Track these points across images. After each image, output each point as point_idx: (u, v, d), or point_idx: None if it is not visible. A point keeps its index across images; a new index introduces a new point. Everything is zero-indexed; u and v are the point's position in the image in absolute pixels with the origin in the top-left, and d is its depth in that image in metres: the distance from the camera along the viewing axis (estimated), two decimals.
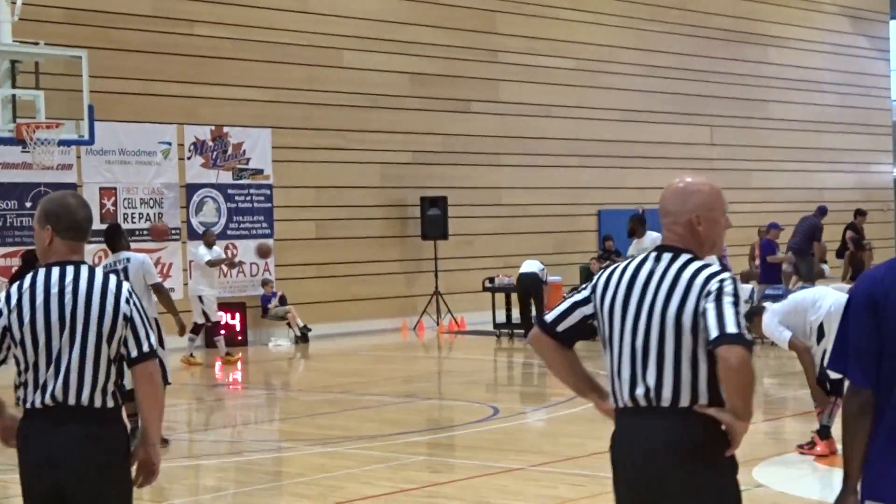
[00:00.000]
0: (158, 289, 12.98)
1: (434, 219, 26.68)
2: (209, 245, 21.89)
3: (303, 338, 24.33)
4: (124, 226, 22.68)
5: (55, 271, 5.45)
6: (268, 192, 25.22)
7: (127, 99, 22.85)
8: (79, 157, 22.52)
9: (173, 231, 23.75)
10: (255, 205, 25.06)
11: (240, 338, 24.04)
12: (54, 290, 5.40)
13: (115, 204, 23.11)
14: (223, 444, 13.67)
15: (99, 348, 5.36)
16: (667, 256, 4.86)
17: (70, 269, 5.47)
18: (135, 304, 5.47)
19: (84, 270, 5.48)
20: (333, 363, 21.66)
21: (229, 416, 16.24)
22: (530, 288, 23.50)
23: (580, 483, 10.64)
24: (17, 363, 5.43)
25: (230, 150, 24.67)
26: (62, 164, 22.02)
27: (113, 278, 5.55)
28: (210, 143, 24.40)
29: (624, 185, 31.05)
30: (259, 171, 25.09)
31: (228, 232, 24.61)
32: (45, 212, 5.51)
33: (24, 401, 5.39)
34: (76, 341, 5.35)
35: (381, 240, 26.86)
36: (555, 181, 29.63)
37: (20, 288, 5.43)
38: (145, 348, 5.42)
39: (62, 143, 18.06)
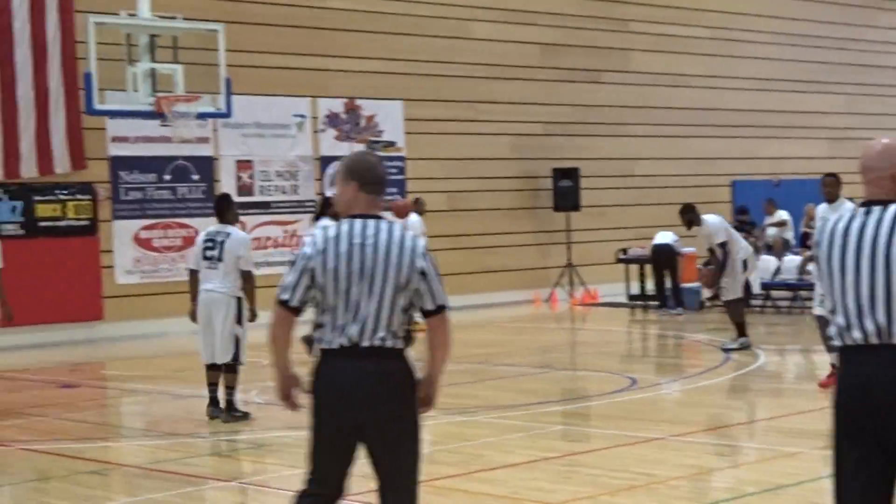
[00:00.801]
0: (247, 276, 12.68)
1: (566, 190, 26.59)
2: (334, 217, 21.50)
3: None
4: (260, 198, 23.17)
5: (357, 224, 5.84)
6: (400, 164, 25.34)
7: (262, 72, 23.10)
8: (215, 130, 22.84)
9: (308, 203, 23.98)
10: (388, 177, 25.15)
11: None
12: (356, 241, 5.79)
13: (251, 177, 23.40)
14: None
15: (395, 299, 5.76)
16: (877, 208, 5.17)
17: (371, 223, 5.85)
18: (430, 259, 5.87)
19: (384, 225, 5.86)
20: (466, 334, 21.65)
21: None
22: (665, 259, 23.33)
23: (723, 453, 10.56)
24: (317, 304, 5.84)
25: (363, 123, 24.83)
26: (200, 138, 22.38)
27: (410, 234, 5.91)
28: (343, 116, 24.58)
29: (758, 156, 30.63)
30: (392, 143, 25.22)
31: None
32: (350, 169, 5.97)
33: (321, 340, 5.83)
34: (374, 291, 5.76)
35: (512, 211, 26.85)
36: (687, 151, 29.34)
37: (325, 237, 5.84)
38: (439, 302, 5.85)
39: (200, 116, 18.30)
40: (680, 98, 29.37)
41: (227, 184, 23.05)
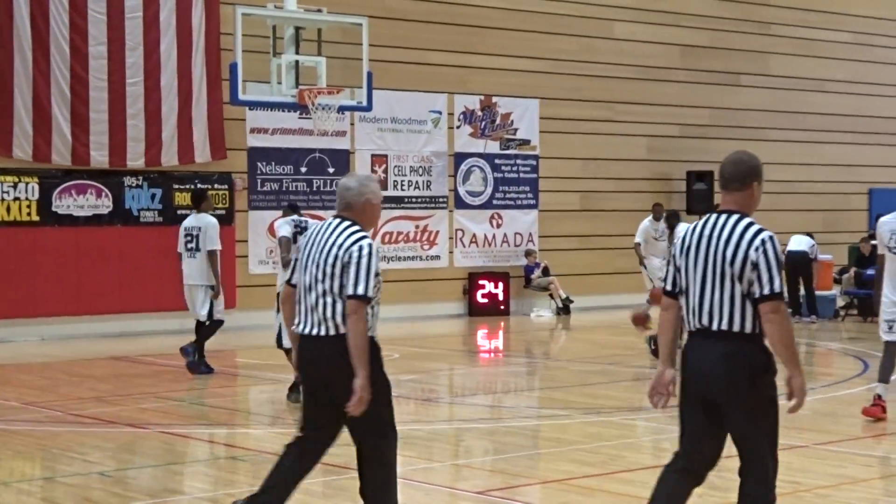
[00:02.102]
0: (211, 255, 14.77)
1: (700, 193, 26.29)
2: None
3: (564, 309, 24.34)
4: (393, 192, 23.27)
5: (721, 219, 6.37)
6: (534, 162, 25.27)
7: (400, 68, 23.19)
8: (352, 124, 22.97)
9: (440, 199, 24.05)
10: (522, 175, 25.14)
11: (502, 307, 24.19)
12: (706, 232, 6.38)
13: (385, 171, 23.50)
14: (500, 409, 13.74)
15: (733, 286, 6.23)
16: None
17: (723, 218, 6.38)
18: (763, 250, 6.18)
19: (732, 218, 6.34)
20: (598, 335, 21.57)
21: (505, 383, 16.33)
22: (800, 266, 22.94)
23: (870, 464, 10.33)
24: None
25: (498, 120, 24.80)
26: (337, 131, 22.52)
27: (752, 229, 6.29)
28: (479, 113, 24.58)
29: None
30: (526, 142, 25.17)
31: (494, 202, 24.77)
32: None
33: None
34: (715, 279, 6.28)
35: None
36: (825, 157, 28.86)
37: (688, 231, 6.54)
38: (772, 289, 6.16)
39: (341, 108, 18.38)
40: (819, 103, 28.89)
41: None
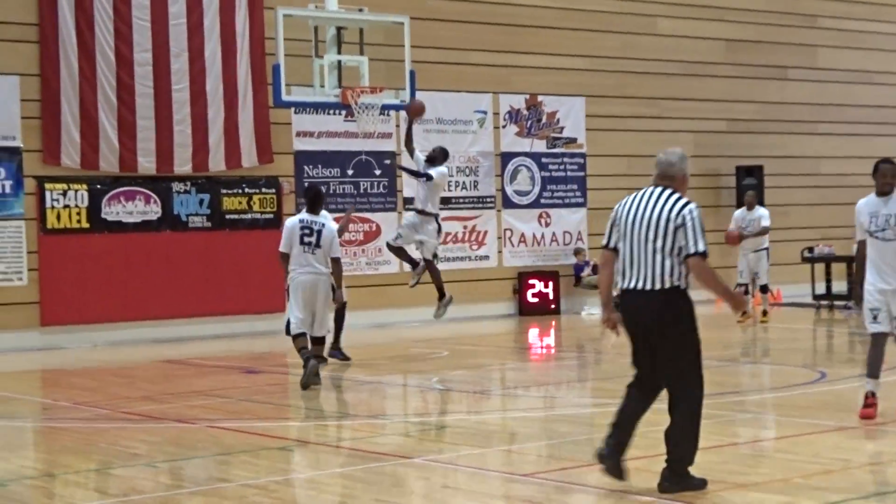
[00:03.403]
0: (336, 262, 14.55)
1: (750, 188, 26.05)
2: None
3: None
4: (443, 193, 23.20)
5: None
6: (581, 160, 25.19)
7: (443, 68, 23.19)
8: (397, 125, 22.97)
9: (488, 199, 24.02)
10: (569, 173, 25.07)
11: (552, 306, 24.12)
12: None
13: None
14: (550, 398, 13.68)
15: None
16: None
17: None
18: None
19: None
20: None
21: (556, 375, 16.27)
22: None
23: None
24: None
25: (544, 119, 24.75)
26: (381, 133, 22.56)
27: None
28: (524, 112, 24.54)
29: None
30: (572, 140, 25.10)
31: (542, 200, 24.71)
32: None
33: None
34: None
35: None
36: (875, 150, 28.40)
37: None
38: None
39: (384, 107, 18.36)
40: (868, 95, 28.65)
41: (408, 179, 23.10)
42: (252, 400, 13.70)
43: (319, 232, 14.38)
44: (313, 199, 14.72)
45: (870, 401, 10.83)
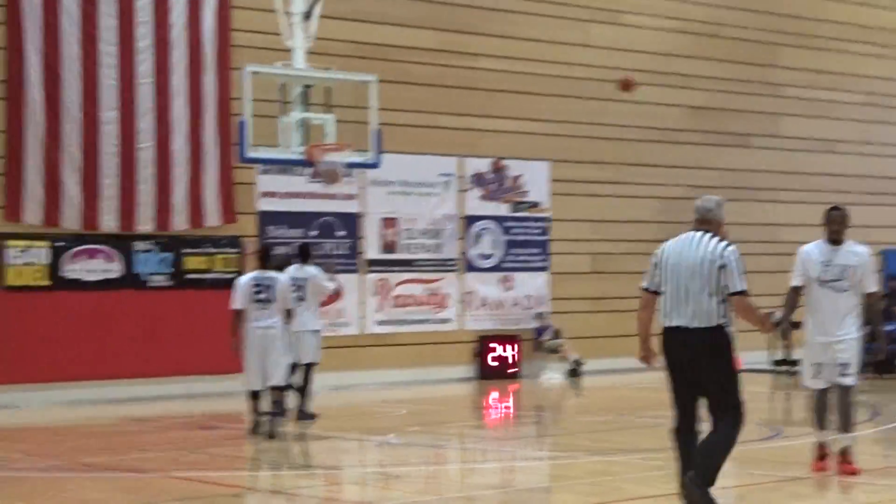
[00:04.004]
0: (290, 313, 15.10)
1: None
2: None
3: (575, 372, 24.22)
4: (404, 255, 23.37)
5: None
6: (544, 224, 25.28)
7: (410, 131, 23.28)
8: (362, 187, 23.04)
9: (451, 262, 24.07)
10: (532, 237, 25.14)
11: (512, 370, 24.10)
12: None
13: (395, 234, 23.52)
14: (507, 451, 13.66)
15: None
16: None
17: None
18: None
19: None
20: (608, 392, 21.45)
21: (515, 431, 16.24)
22: None
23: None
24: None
25: (509, 183, 24.86)
26: (347, 195, 22.63)
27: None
28: (490, 176, 24.64)
29: None
30: (536, 204, 25.19)
31: (505, 264, 24.76)
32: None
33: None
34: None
35: None
36: None
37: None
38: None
39: (349, 165, 18.41)
40: (830, 164, 28.92)
41: (371, 240, 23.22)
42: (207, 452, 13.62)
43: (271, 287, 14.84)
44: (264, 256, 15.45)
45: (821, 452, 10.80)
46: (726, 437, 8.56)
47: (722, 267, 8.45)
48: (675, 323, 8.56)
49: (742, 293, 8.42)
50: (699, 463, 8.49)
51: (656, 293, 8.74)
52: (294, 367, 15.90)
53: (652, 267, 8.84)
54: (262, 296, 14.80)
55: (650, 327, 8.77)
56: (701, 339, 8.44)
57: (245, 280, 15.14)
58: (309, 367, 16.36)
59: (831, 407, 10.71)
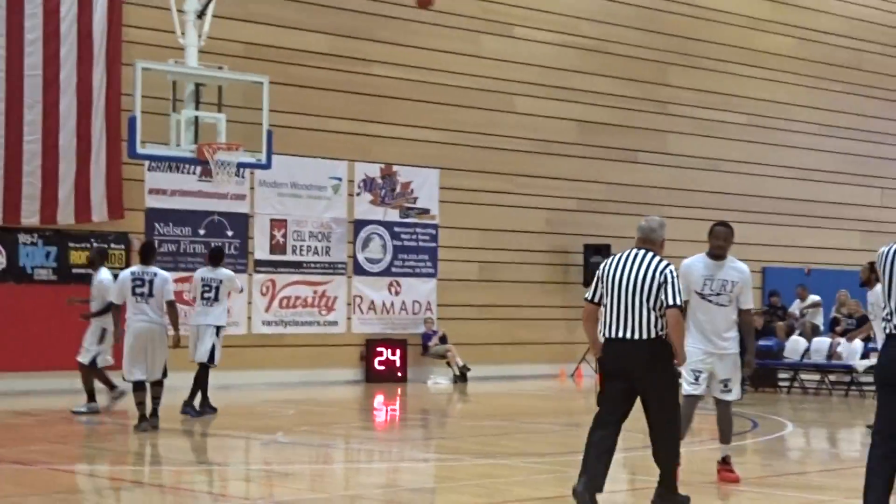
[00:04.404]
0: (171, 305, 15.19)
1: (596, 266, 26.45)
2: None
3: (462, 377, 24.38)
4: (293, 257, 23.34)
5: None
6: (433, 231, 25.41)
7: (301, 133, 23.29)
8: (252, 188, 23.00)
9: (339, 265, 24.09)
10: (421, 244, 25.26)
11: (399, 374, 24.17)
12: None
13: (284, 235, 23.49)
14: (393, 452, 13.72)
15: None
16: None
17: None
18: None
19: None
20: (493, 399, 21.62)
21: (401, 433, 16.30)
22: None
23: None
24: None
25: (398, 189, 24.95)
26: (235, 195, 22.59)
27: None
28: (379, 181, 24.71)
29: (790, 244, 30.61)
30: (426, 211, 25.32)
31: (393, 269, 24.85)
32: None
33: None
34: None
35: (543, 285, 26.86)
36: None
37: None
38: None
39: (240, 165, 18.34)
40: (714, 182, 29.46)
41: (260, 241, 23.16)
42: (93, 447, 13.50)
43: (151, 282, 15.03)
44: (145, 252, 15.60)
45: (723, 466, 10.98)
46: (674, 447, 9.27)
47: (662, 283, 8.91)
48: (616, 335, 9.00)
49: (678, 307, 8.92)
50: (663, 475, 9.22)
51: (599, 304, 9.17)
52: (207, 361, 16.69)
53: (596, 280, 9.26)
54: (140, 290, 14.96)
55: (597, 332, 9.24)
56: (641, 349, 8.92)
57: (124, 275, 15.33)
58: (205, 367, 16.76)
59: (692, 416, 10.86)
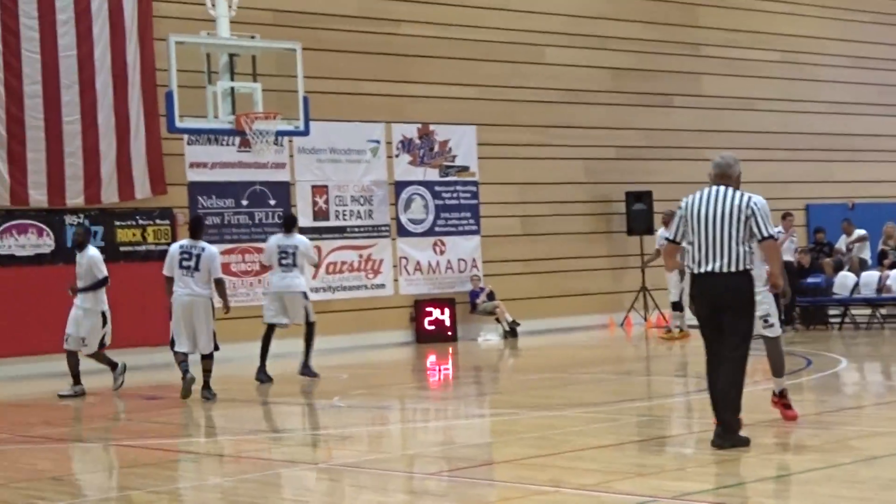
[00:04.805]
0: (220, 282, 15.53)
1: (639, 214, 26.58)
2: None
3: (511, 332, 24.45)
4: (336, 222, 23.44)
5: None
6: (473, 188, 25.46)
7: (335, 98, 23.33)
8: (291, 155, 23.10)
9: (383, 227, 24.17)
10: (462, 201, 25.30)
11: (449, 333, 24.27)
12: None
13: (326, 201, 23.59)
14: (450, 410, 13.82)
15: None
16: None
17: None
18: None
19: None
20: (543, 352, 21.70)
21: (457, 390, 16.42)
22: None
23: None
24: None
25: (437, 148, 24.99)
26: (276, 164, 22.71)
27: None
28: (417, 141, 24.75)
29: (832, 179, 30.48)
30: (465, 168, 25.35)
31: (436, 228, 24.91)
32: None
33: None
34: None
35: (586, 235, 26.88)
36: (761, 175, 29.05)
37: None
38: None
39: (279, 133, 18.44)
40: (752, 122, 29.33)
41: (302, 209, 23.26)
42: (153, 421, 13.67)
43: (199, 256, 15.30)
44: (194, 226, 15.90)
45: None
46: (740, 377, 9.44)
47: (750, 216, 9.28)
48: (706, 269, 9.39)
49: (770, 237, 9.36)
50: (724, 413, 9.37)
51: (678, 243, 9.68)
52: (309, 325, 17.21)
53: (677, 219, 9.57)
54: (187, 263, 15.23)
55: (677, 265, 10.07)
56: (732, 282, 9.32)
57: (173, 248, 15.63)
58: (310, 326, 17.28)
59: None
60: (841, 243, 25.63)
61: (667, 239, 9.81)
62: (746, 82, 29.44)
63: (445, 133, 25.09)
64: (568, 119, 26.63)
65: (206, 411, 14.21)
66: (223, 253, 22.31)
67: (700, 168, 28.32)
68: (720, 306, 9.36)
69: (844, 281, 22.91)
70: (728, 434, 9.32)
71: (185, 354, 15.26)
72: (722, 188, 9.45)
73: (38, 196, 20.85)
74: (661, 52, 28.14)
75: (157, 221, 21.89)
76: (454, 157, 25.23)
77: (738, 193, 9.39)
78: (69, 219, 21.14)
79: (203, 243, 15.52)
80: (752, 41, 29.63)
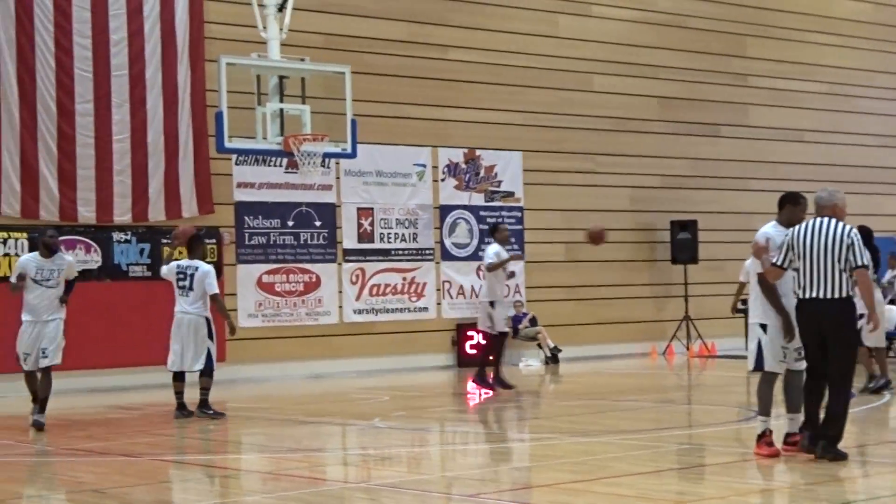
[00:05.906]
0: (214, 298, 15.66)
1: (684, 242, 26.56)
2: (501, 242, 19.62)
3: (553, 358, 24.47)
4: (381, 245, 23.56)
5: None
6: (518, 214, 25.52)
7: (383, 122, 23.48)
8: (338, 177, 23.24)
9: (427, 251, 24.28)
10: (507, 226, 25.30)
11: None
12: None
13: (371, 224, 23.71)
14: (489, 434, 13.87)
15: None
16: None
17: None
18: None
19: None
20: (584, 378, 21.71)
21: (496, 414, 16.45)
22: None
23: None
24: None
25: (482, 173, 25.08)
26: (322, 185, 22.84)
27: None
28: (463, 166, 24.85)
29: (880, 212, 30.32)
30: (510, 194, 25.43)
31: (480, 253, 24.91)
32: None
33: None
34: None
35: (630, 263, 26.88)
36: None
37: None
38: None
39: (326, 155, 18.59)
40: (798, 153, 29.28)
41: (348, 231, 23.39)
42: (194, 437, 13.78)
43: (192, 276, 15.59)
44: (191, 244, 16.07)
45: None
46: (845, 405, 10.25)
47: (850, 245, 10.09)
48: (810, 295, 10.20)
49: (865, 267, 10.14)
50: (830, 431, 10.19)
51: (783, 268, 10.32)
52: None
53: (784, 247, 10.30)
54: (183, 283, 15.61)
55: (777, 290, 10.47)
56: (833, 307, 10.14)
57: (170, 267, 15.98)
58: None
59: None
60: (888, 277, 25.47)
61: (773, 264, 10.35)
62: (793, 113, 29.40)
63: (491, 158, 25.19)
64: (614, 147, 26.67)
65: (248, 429, 14.31)
66: (267, 273, 22.55)
67: (745, 198, 28.43)
68: (823, 330, 10.14)
69: (890, 314, 22.74)
70: (832, 448, 10.14)
71: (182, 381, 15.60)
72: (825, 219, 10.25)
73: (86, 212, 21.08)
74: (708, 82, 28.17)
75: (204, 241, 22.00)
76: (500, 182, 25.31)
77: (839, 224, 10.17)
78: (117, 235, 21.35)
79: (197, 262, 15.78)
80: (800, 72, 29.59)
